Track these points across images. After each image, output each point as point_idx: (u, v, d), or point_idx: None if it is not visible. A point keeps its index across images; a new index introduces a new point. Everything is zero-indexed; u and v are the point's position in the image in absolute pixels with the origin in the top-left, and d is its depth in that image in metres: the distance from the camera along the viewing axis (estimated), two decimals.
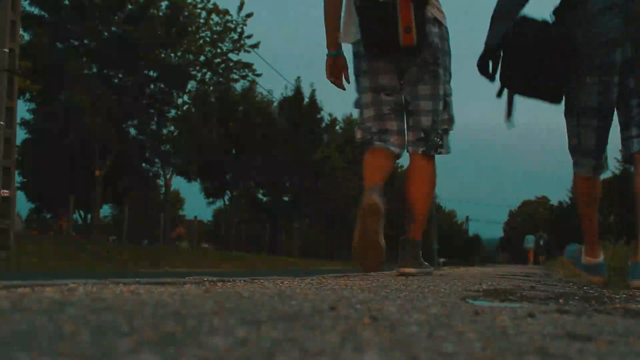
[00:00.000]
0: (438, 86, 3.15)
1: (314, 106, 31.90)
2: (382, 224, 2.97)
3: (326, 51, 3.38)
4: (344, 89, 3.41)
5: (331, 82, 3.42)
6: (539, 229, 40.25)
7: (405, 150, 3.30)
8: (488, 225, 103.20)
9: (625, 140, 2.85)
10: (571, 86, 2.88)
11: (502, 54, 2.93)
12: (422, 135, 3.18)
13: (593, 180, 3.08)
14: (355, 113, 3.49)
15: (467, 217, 63.56)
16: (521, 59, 2.86)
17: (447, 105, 3.26)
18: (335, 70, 3.40)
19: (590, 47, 2.78)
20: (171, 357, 0.74)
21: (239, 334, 0.94)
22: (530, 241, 32.19)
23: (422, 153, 3.22)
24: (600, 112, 2.87)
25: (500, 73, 2.94)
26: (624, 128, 2.88)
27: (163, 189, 28.28)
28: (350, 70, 3.36)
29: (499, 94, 2.98)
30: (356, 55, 3.27)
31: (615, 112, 2.93)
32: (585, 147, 2.98)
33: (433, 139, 3.18)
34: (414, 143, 3.23)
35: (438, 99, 3.16)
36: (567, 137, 3.08)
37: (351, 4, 3.16)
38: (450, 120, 3.32)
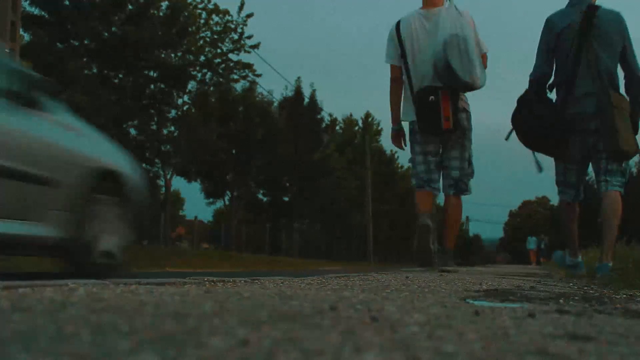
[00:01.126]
0: (464, 152, 4.75)
1: (314, 106, 31.87)
2: (433, 236, 4.54)
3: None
4: (404, 149, 5.01)
5: (395, 145, 5.04)
6: (539, 230, 40.53)
7: (441, 191, 4.86)
8: (488, 225, 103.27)
9: (598, 182, 4.19)
10: (561, 144, 4.22)
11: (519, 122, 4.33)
12: (452, 182, 4.75)
13: (573, 205, 4.40)
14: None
15: (467, 218, 63.52)
16: (533, 130, 4.27)
17: (470, 164, 4.82)
18: (397, 138, 4.97)
19: (576, 118, 4.15)
20: (171, 358, 0.74)
21: (240, 334, 0.93)
22: (532, 242, 32.96)
23: (452, 194, 4.76)
24: (579, 160, 4.27)
25: (519, 135, 4.31)
26: (597, 174, 4.22)
27: (163, 189, 28.27)
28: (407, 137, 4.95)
29: (507, 138, 4.38)
30: (412, 130, 4.80)
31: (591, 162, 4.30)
32: (568, 182, 4.34)
33: (460, 185, 4.74)
34: (447, 187, 4.77)
35: (463, 160, 4.76)
36: (555, 175, 4.43)
37: (408, 95, 4.75)
38: (472, 173, 4.84)
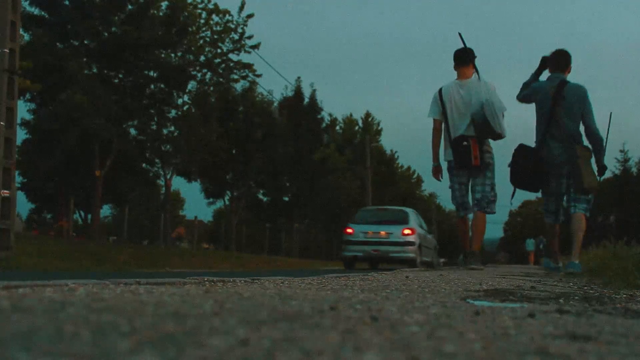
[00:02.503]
0: (486, 181, 6.34)
1: (314, 106, 31.87)
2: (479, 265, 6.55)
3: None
4: (440, 181, 6.73)
5: (434, 178, 6.64)
6: (539, 230, 41.00)
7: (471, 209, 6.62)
8: (488, 225, 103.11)
9: (568, 207, 5.88)
10: (543, 181, 5.92)
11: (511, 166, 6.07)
12: (476, 202, 6.38)
13: (555, 225, 6.10)
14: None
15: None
16: (517, 172, 6.02)
17: (493, 190, 6.38)
18: (436, 172, 6.57)
19: (553, 164, 5.82)
20: (171, 358, 0.74)
21: (240, 334, 0.93)
22: (530, 244, 34.21)
23: (477, 210, 6.36)
24: (558, 193, 5.96)
25: (510, 177, 6.12)
26: (567, 201, 5.92)
27: (163, 189, 28.25)
28: (445, 172, 6.82)
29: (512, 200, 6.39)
30: (449, 166, 6.44)
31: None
32: (550, 209, 6.12)
33: (482, 204, 6.34)
34: (474, 206, 6.39)
35: (486, 186, 6.35)
36: (543, 204, 6.23)
37: (447, 141, 6.36)
38: (495, 196, 6.40)
